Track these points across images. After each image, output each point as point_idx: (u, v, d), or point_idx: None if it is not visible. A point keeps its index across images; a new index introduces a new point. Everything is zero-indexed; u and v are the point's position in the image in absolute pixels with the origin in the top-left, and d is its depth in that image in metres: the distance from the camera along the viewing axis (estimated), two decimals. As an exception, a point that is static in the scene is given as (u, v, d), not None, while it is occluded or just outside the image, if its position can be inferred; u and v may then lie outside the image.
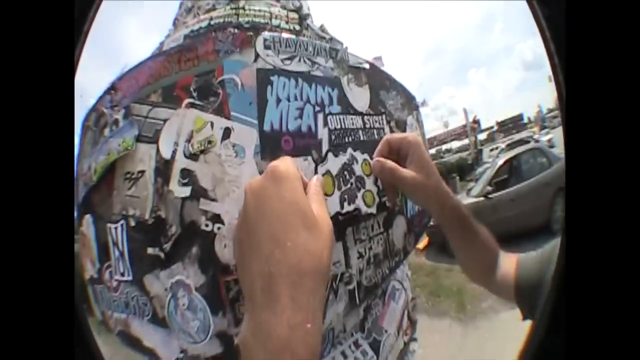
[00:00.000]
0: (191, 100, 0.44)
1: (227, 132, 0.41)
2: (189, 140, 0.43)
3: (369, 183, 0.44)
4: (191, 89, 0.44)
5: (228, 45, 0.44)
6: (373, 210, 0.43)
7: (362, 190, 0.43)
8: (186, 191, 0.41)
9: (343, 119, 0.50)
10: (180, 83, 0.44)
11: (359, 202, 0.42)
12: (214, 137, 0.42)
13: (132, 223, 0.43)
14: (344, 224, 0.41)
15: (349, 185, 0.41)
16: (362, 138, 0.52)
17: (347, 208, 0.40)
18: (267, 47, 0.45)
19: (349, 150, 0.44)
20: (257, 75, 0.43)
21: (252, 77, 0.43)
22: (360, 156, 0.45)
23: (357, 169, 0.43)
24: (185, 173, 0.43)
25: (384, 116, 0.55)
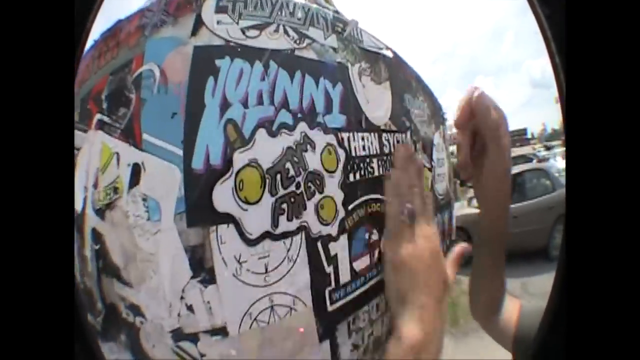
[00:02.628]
0: (100, 115, 0.21)
1: (136, 172, 0.14)
2: (95, 185, 0.21)
3: (332, 184, 0.19)
4: (102, 98, 0.21)
5: (158, 15, 0.20)
6: (333, 230, 0.19)
7: (318, 197, 0.19)
8: (94, 268, 0.21)
9: (349, 138, 0.21)
10: (95, 89, 0.22)
11: (309, 215, 0.18)
12: (120, 181, 0.20)
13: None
14: (334, 319, 0.20)
15: (292, 188, 0.18)
16: (376, 171, 0.23)
17: (286, 226, 0.18)
18: (220, 10, 0.20)
19: (301, 126, 0.19)
20: (193, 58, 0.18)
21: (183, 63, 0.19)
22: (320, 138, 0.19)
23: (313, 160, 0.19)
24: (96, 236, 0.21)
25: (409, 133, 0.26)
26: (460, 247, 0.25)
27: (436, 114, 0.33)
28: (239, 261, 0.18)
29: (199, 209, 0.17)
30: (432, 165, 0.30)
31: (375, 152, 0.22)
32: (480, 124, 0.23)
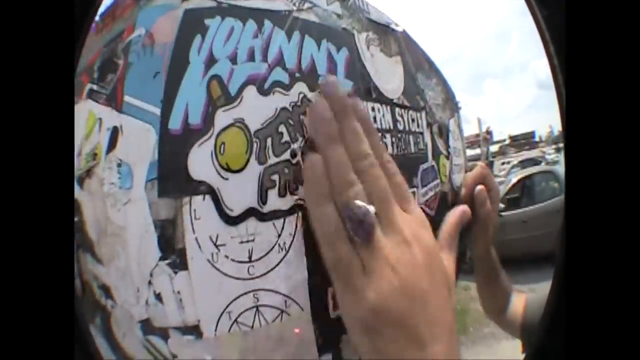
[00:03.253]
0: (90, 85, 0.19)
1: (114, 136, 0.10)
2: (80, 153, 0.19)
3: None
4: (94, 68, 0.19)
5: None
6: None
7: None
8: (74, 242, 0.17)
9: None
10: (89, 62, 0.20)
11: None
12: (99, 147, 0.17)
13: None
14: (338, 326, 0.15)
15: (286, 156, 0.14)
16: (389, 149, 0.18)
17: (277, 204, 0.14)
18: (216, -26, 0.18)
19: (300, 86, 0.14)
20: (182, 21, 0.16)
21: (172, 25, 0.16)
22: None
23: None
24: (76, 206, 0.18)
25: (424, 113, 0.22)
26: (454, 214, 0.17)
27: (450, 100, 0.29)
28: (215, 244, 0.15)
29: (171, 175, 0.14)
30: (449, 153, 0.25)
31: (387, 126, 0.18)
32: (476, 211, 0.24)
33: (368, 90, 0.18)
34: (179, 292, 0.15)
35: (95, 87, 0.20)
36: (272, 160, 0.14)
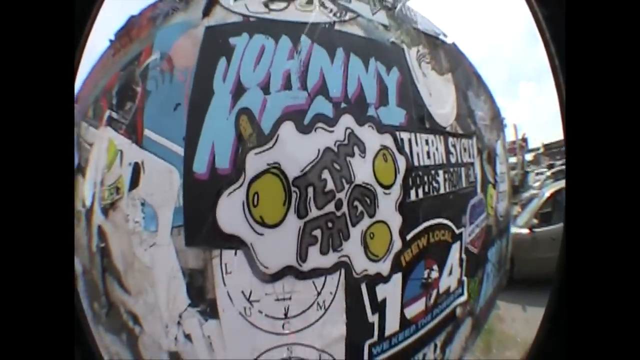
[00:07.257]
0: (109, 111, 0.16)
1: (136, 172, 0.07)
2: (102, 182, 0.16)
3: (387, 204, 0.11)
4: (113, 94, 0.16)
5: (169, 3, 0.14)
6: (384, 267, 0.11)
7: (367, 221, 0.11)
8: (99, 264, 0.16)
9: (410, 141, 0.12)
10: (107, 86, 0.17)
11: (352, 247, 0.10)
12: (121, 181, 0.14)
13: (80, 268, 0.20)
14: None
15: (330, 207, 0.10)
16: (442, 188, 0.14)
17: (318, 261, 0.10)
18: (239, -15, 0.15)
19: (346, 120, 0.10)
20: (204, 41, 0.12)
21: (193, 46, 0.12)
22: (373, 138, 0.11)
23: (363, 168, 0.10)
24: (101, 234, 0.16)
25: (474, 139, 0.19)
26: None
27: (496, 119, 0.24)
28: (248, 299, 0.12)
29: (199, 225, 0.11)
30: (496, 180, 0.21)
31: (441, 161, 0.14)
32: None
33: (422, 119, 0.14)
34: (209, 337, 0.14)
35: (114, 114, 0.17)
36: (314, 213, 0.11)
